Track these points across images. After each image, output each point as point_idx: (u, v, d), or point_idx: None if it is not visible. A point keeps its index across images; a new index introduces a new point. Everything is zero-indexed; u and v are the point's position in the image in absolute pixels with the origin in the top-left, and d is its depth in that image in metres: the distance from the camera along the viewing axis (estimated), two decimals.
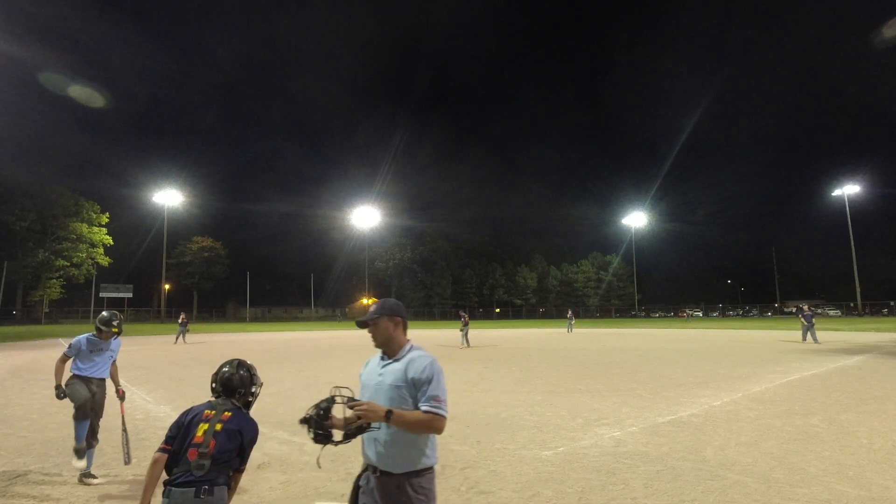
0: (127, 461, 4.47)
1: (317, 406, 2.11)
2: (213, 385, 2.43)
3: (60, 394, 4.53)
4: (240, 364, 2.48)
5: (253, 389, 2.48)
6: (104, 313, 4.84)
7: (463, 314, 21.30)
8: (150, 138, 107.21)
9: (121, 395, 4.80)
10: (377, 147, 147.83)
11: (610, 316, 79.72)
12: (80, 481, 4.32)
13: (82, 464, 4.38)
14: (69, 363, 4.74)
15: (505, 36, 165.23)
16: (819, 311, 64.35)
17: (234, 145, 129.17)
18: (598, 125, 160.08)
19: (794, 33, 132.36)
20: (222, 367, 2.47)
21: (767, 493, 3.97)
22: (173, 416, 7.46)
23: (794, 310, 22.49)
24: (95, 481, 4.33)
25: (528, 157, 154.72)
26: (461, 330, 20.49)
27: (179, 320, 24.64)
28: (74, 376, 4.66)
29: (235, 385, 2.40)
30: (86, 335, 4.76)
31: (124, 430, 4.58)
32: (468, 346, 19.72)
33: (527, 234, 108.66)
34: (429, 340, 24.77)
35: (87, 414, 4.49)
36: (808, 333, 19.65)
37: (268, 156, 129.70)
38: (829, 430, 5.91)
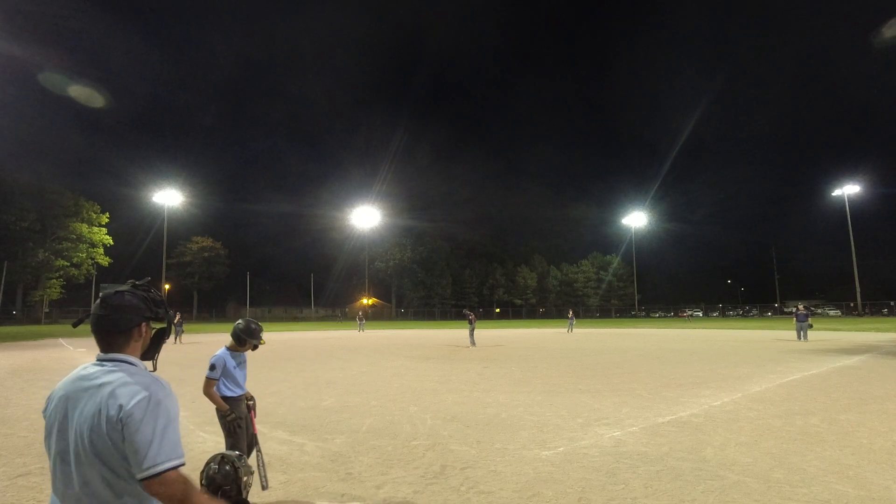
0: (264, 485, 3.85)
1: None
2: (201, 482, 2.27)
3: (238, 422, 3.94)
4: (223, 459, 2.34)
5: (241, 485, 2.34)
6: (243, 323, 4.15)
7: (469, 313, 21.29)
8: (150, 138, 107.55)
9: (251, 405, 4.20)
10: (377, 147, 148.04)
11: (610, 316, 79.75)
12: None
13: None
14: None
15: (505, 36, 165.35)
16: (819, 310, 64.40)
17: (234, 145, 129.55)
18: (598, 125, 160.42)
19: (793, 33, 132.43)
20: (208, 462, 2.31)
21: (767, 493, 3.97)
22: None
23: (793, 310, 22.67)
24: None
25: (528, 157, 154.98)
26: (469, 329, 20.57)
27: (175, 320, 24.61)
28: (227, 400, 4.03)
29: (219, 483, 2.30)
30: (223, 350, 4.12)
31: (258, 448, 4.00)
32: (473, 345, 19.86)
33: (527, 234, 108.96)
34: (430, 340, 24.79)
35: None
36: (801, 332, 20.08)
37: (268, 156, 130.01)
38: (829, 430, 5.91)
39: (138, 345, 1.58)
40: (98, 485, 1.40)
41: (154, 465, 1.36)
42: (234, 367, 4.10)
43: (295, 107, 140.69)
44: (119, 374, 1.45)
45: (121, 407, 1.37)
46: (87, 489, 1.40)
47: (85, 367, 1.51)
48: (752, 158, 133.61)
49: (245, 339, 4.10)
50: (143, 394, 1.41)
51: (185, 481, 1.40)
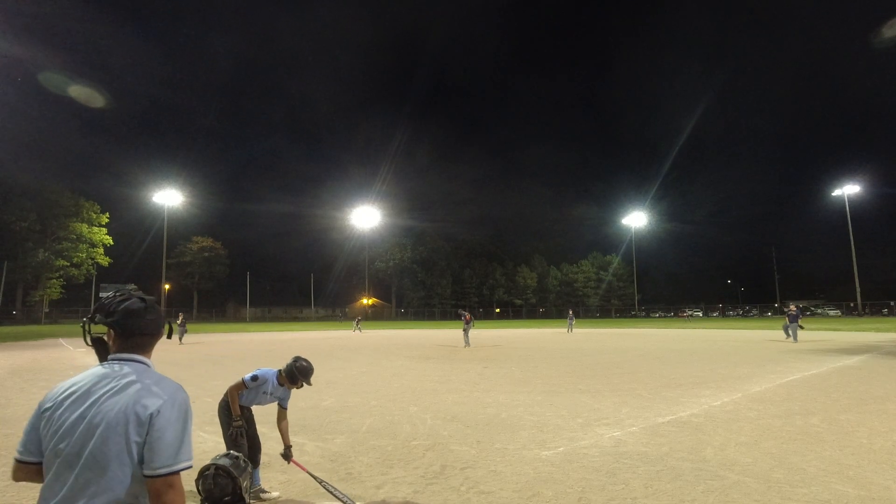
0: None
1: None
2: (198, 492, 2.24)
3: (241, 431, 3.94)
4: (217, 471, 2.30)
5: (241, 492, 2.28)
6: (305, 363, 4.11)
7: (464, 313, 21.16)
8: (150, 138, 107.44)
9: (287, 454, 4.09)
10: (377, 147, 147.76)
11: (610, 316, 79.78)
12: (258, 497, 4.01)
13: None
14: None
15: (505, 36, 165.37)
16: (819, 310, 64.41)
17: (235, 145, 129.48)
18: (598, 125, 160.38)
19: (793, 33, 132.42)
20: (202, 472, 2.27)
21: (767, 493, 3.97)
22: None
23: (784, 310, 22.61)
24: (273, 494, 4.06)
25: (528, 157, 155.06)
26: (464, 329, 20.43)
27: (178, 321, 24.67)
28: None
29: (217, 496, 2.26)
30: (275, 375, 4.11)
31: (320, 480, 3.92)
32: (468, 345, 19.73)
33: (527, 234, 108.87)
34: (430, 340, 24.79)
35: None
36: (791, 331, 19.87)
37: (268, 156, 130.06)
38: (829, 430, 5.91)
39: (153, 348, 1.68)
40: (99, 487, 1.39)
41: (175, 463, 1.42)
42: (267, 394, 4.09)
43: (295, 107, 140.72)
44: (142, 375, 1.50)
45: (148, 406, 1.42)
46: (86, 492, 1.39)
47: (101, 367, 1.53)
48: (752, 158, 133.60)
49: (298, 378, 4.07)
50: (169, 394, 1.48)
51: (183, 491, 1.47)
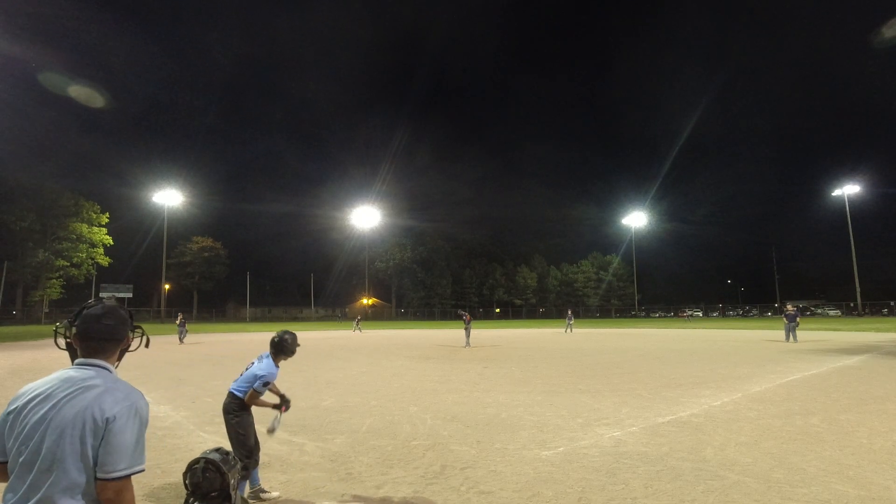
0: (272, 430, 4.12)
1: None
2: (185, 486, 2.26)
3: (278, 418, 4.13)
4: (207, 464, 2.26)
5: (228, 487, 2.28)
6: (290, 334, 4.17)
7: (463, 314, 21.26)
8: (150, 138, 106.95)
9: (284, 402, 4.23)
10: (377, 147, 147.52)
11: (610, 316, 79.77)
12: (258, 497, 4.01)
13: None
14: None
15: (505, 36, 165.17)
16: (819, 310, 64.44)
17: (235, 145, 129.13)
18: (598, 125, 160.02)
19: (793, 33, 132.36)
20: (191, 465, 2.29)
21: (767, 493, 3.97)
22: (173, 416, 7.32)
23: (784, 310, 22.50)
24: (273, 494, 4.07)
25: (528, 157, 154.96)
26: (465, 329, 20.50)
27: (178, 321, 24.66)
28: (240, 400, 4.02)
29: (205, 490, 2.27)
30: (272, 364, 4.10)
31: (277, 417, 4.21)
32: (468, 345, 19.77)
33: (527, 234, 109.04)
34: (430, 340, 24.79)
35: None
36: (791, 332, 19.77)
37: (268, 155, 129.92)
38: (829, 430, 5.91)
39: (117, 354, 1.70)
40: (56, 487, 1.42)
41: (128, 467, 1.46)
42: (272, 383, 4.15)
43: (295, 107, 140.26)
44: (102, 380, 1.54)
45: (105, 410, 1.46)
46: (44, 491, 1.41)
47: (66, 371, 1.57)
48: (752, 158, 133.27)
49: (294, 350, 4.18)
50: (128, 400, 1.52)
51: (134, 496, 1.52)
